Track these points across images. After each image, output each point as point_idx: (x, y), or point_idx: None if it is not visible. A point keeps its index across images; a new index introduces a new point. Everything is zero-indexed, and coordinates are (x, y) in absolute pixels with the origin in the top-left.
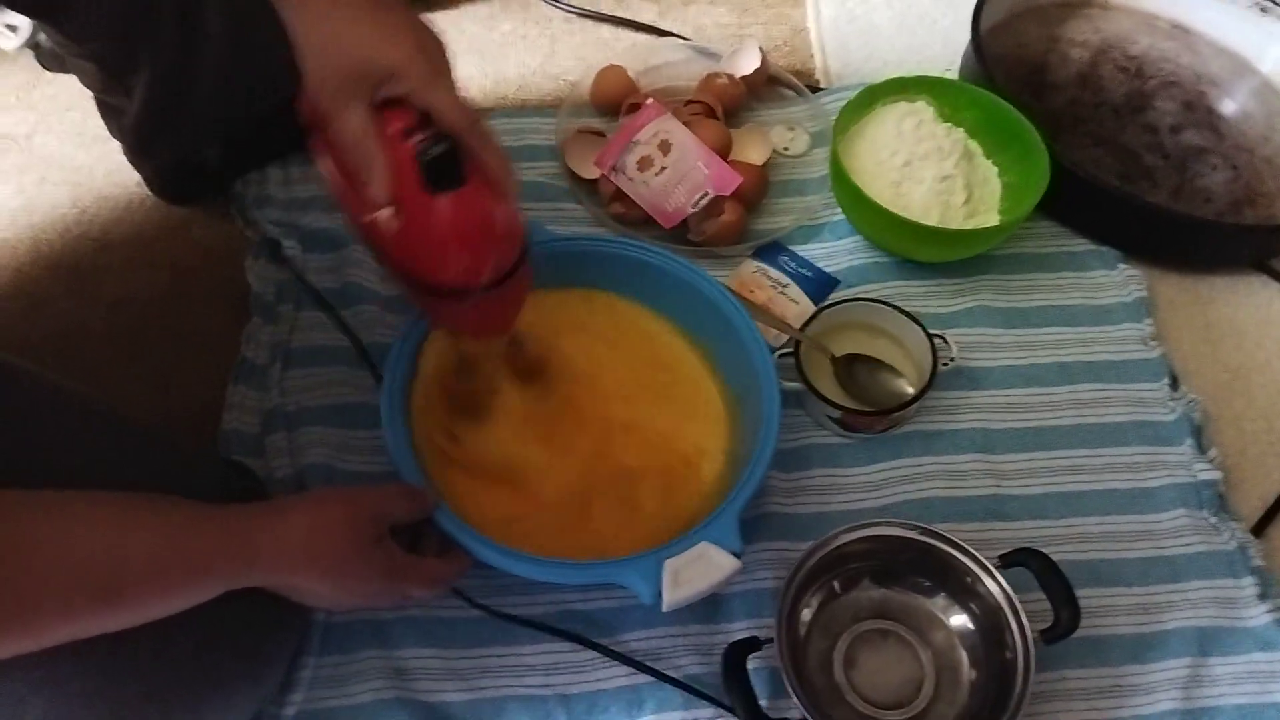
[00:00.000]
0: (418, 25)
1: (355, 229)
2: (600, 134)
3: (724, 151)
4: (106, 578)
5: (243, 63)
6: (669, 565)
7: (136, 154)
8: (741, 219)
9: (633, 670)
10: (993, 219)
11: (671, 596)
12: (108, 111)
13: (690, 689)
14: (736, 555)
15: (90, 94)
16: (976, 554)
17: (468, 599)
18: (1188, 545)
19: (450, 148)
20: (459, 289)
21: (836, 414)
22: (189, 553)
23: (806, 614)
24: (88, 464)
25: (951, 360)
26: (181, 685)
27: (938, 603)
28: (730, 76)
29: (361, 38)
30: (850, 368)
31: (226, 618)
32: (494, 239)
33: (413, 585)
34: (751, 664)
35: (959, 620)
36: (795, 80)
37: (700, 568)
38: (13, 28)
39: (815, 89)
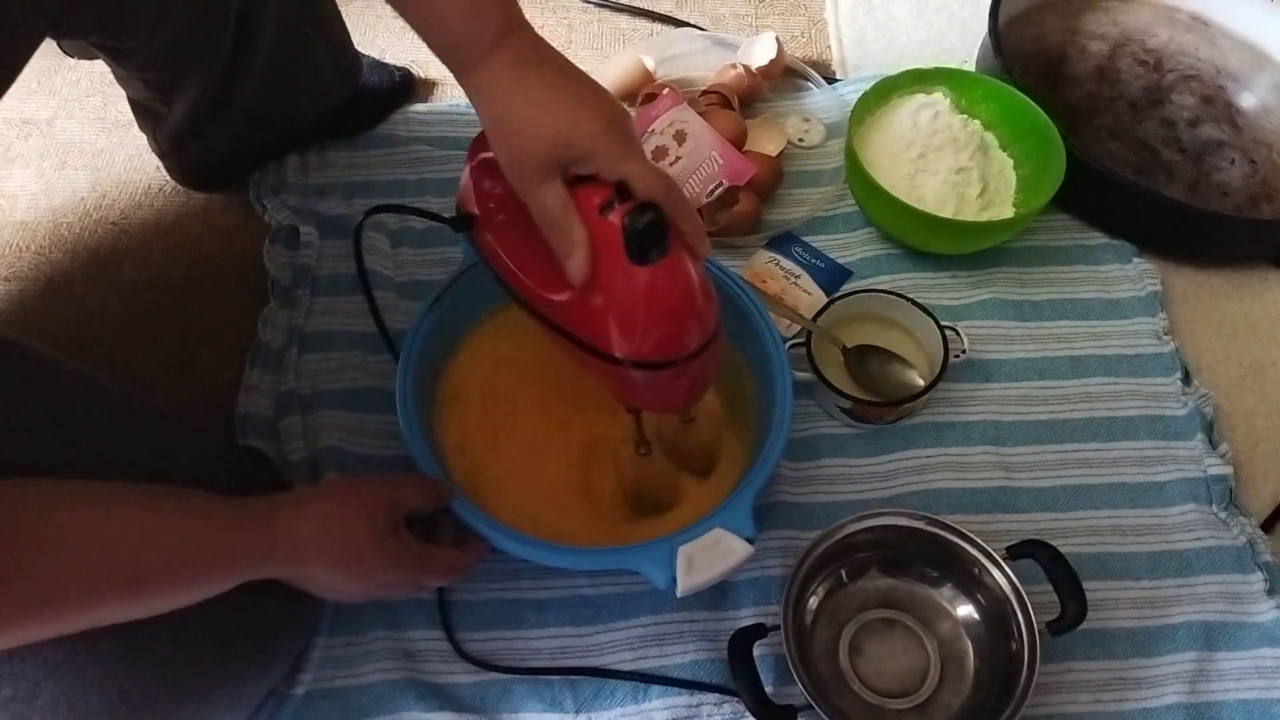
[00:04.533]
0: (602, 96)
1: (536, 311)
2: None
3: (739, 142)
4: (129, 568)
5: (285, 84)
6: (683, 551)
7: (167, 153)
8: (755, 209)
9: (639, 655)
10: (1007, 211)
11: (686, 582)
12: (141, 110)
13: (693, 685)
14: (749, 541)
15: (111, 78)
16: (984, 545)
17: (468, 657)
18: (1197, 540)
19: (658, 216)
20: (659, 361)
21: (847, 404)
22: (210, 544)
23: (813, 602)
24: (101, 448)
25: (963, 352)
26: (194, 673)
27: (944, 593)
28: (746, 67)
29: (552, 118)
30: (861, 359)
31: (240, 608)
32: (697, 308)
33: (429, 575)
34: (758, 651)
35: (965, 610)
36: (811, 71)
37: (714, 553)
38: None
39: (832, 80)
